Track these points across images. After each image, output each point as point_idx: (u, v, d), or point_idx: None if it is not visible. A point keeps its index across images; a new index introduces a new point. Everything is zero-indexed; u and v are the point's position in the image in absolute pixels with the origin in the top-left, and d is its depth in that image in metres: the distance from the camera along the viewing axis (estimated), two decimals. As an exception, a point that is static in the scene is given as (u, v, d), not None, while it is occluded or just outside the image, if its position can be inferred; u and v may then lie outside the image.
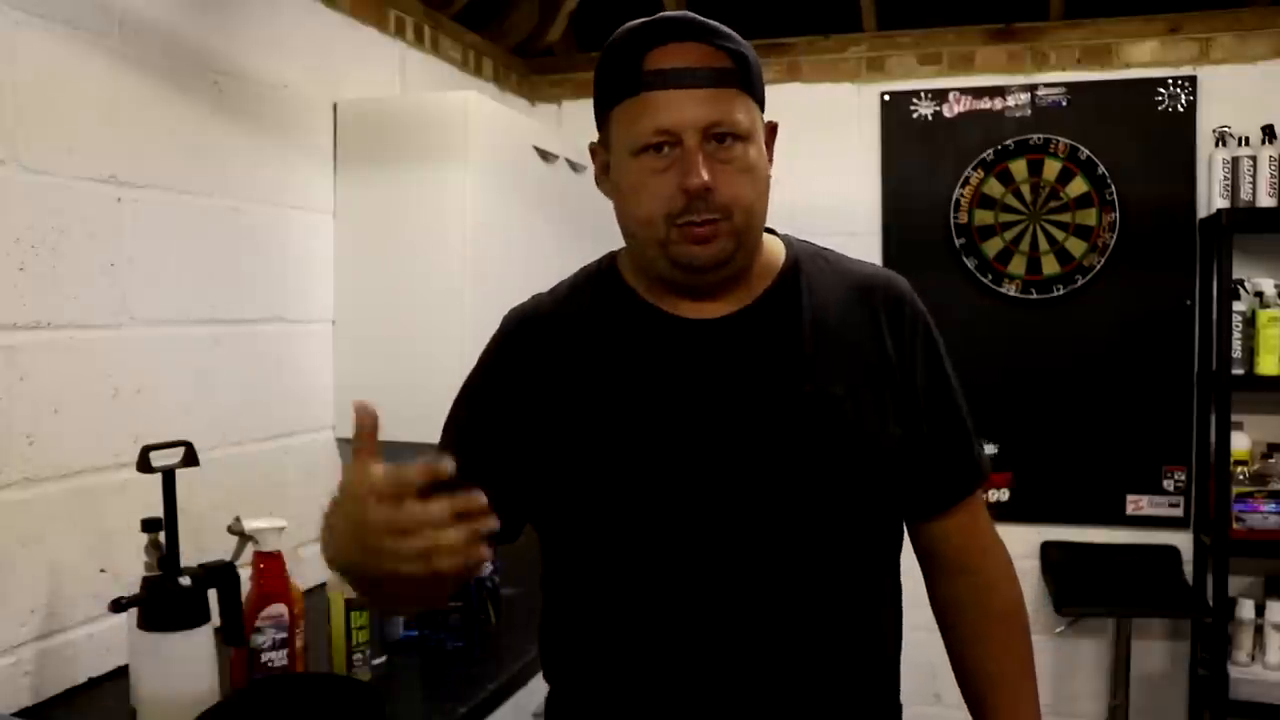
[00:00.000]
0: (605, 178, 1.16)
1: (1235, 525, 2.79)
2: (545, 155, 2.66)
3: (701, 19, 1.08)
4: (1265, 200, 2.86)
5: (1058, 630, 3.09)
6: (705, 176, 1.03)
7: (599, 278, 1.21)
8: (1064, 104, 3.10)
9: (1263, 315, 2.82)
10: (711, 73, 1.05)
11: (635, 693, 1.13)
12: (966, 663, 1.24)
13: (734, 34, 1.10)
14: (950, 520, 1.22)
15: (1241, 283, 2.88)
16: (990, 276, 3.15)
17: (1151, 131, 3.03)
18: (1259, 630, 2.88)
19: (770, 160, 1.14)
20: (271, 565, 1.62)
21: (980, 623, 1.23)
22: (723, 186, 1.05)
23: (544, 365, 1.16)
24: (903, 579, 1.22)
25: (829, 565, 1.11)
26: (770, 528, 1.10)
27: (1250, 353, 2.82)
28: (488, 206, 2.38)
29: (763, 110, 1.12)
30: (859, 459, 1.12)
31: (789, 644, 1.10)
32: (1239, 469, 2.86)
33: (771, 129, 1.15)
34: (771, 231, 1.21)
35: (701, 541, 1.10)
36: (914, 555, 1.25)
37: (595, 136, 1.16)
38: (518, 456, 1.14)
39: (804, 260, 1.19)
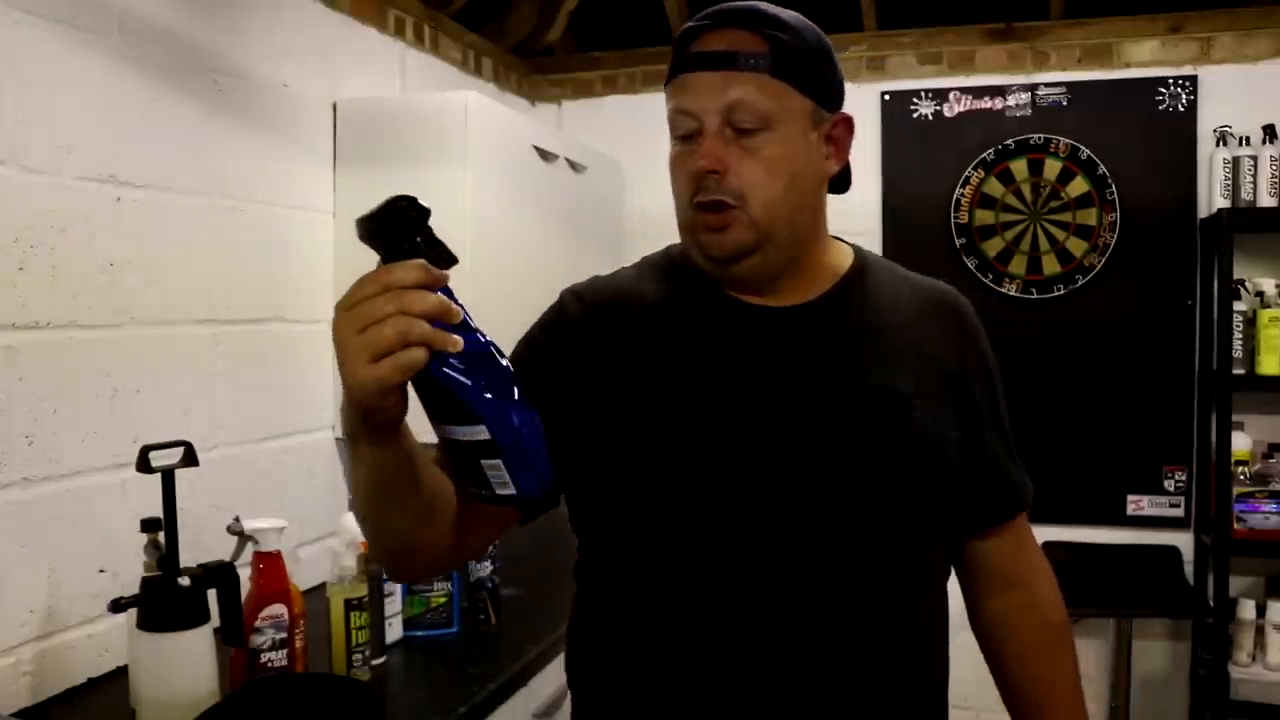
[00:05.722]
0: None
1: (1236, 525, 2.79)
2: (545, 155, 2.66)
3: (765, 9, 1.07)
4: (1266, 200, 2.86)
5: (1058, 630, 3.08)
6: (708, 159, 1.03)
7: (668, 260, 1.19)
8: (1064, 104, 3.10)
9: (1263, 315, 2.81)
10: (738, 56, 1.03)
11: (667, 695, 1.06)
12: (1019, 679, 1.24)
13: (799, 24, 1.07)
14: (1001, 537, 1.23)
15: (1242, 282, 2.88)
16: (991, 276, 3.15)
17: (1152, 131, 3.03)
18: (1260, 630, 2.88)
19: (837, 155, 1.11)
20: (271, 565, 1.62)
21: (1032, 638, 1.25)
22: (738, 173, 1.03)
23: (605, 337, 1.12)
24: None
25: (884, 567, 1.08)
26: (827, 522, 1.05)
27: (1251, 353, 2.82)
28: (488, 206, 2.37)
29: (828, 101, 1.09)
30: (920, 456, 1.09)
31: (833, 646, 1.05)
32: (1240, 469, 2.86)
33: (841, 122, 1.11)
34: (843, 241, 1.21)
35: (750, 531, 1.04)
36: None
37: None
38: (568, 425, 1.06)
39: (870, 265, 1.19)
